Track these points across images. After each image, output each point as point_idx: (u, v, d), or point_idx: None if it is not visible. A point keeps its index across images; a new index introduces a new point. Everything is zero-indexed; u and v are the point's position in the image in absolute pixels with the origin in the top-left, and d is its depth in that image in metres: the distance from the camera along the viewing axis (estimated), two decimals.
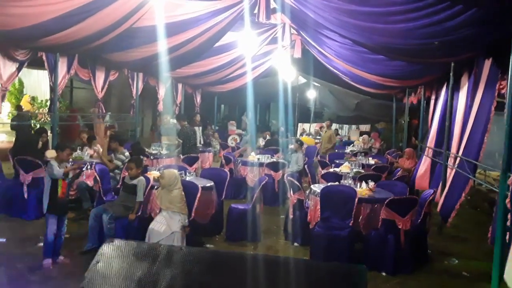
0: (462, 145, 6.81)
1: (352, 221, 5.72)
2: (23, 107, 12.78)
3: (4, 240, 5.96)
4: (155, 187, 5.94)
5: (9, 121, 12.70)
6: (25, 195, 7.05)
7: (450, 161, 7.40)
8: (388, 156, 12.18)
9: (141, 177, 5.90)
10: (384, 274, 5.38)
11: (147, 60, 9.26)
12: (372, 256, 5.56)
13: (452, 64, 7.36)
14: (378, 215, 5.68)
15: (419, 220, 5.76)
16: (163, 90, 13.42)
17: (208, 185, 6.49)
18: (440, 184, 7.52)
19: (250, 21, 8.46)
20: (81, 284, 1.42)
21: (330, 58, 10.97)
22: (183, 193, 5.46)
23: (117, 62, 9.90)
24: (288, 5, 7.80)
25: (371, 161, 10.42)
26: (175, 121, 11.17)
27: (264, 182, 6.80)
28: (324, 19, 6.88)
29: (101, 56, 9.28)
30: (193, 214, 5.58)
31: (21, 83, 14.45)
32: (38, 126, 12.09)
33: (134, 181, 5.80)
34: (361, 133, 18.66)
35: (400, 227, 5.42)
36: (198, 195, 5.74)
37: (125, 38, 7.45)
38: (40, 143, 7.87)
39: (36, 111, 13.86)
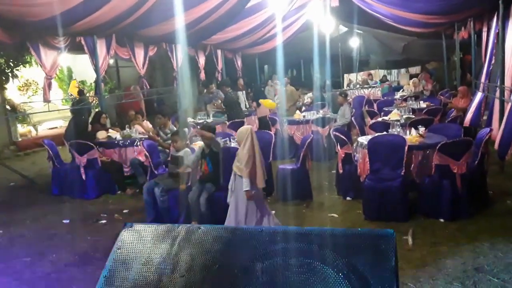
0: None
1: (403, 170, 5.51)
2: (85, 91, 13.11)
3: (68, 221, 6.32)
4: None
5: (64, 107, 13.27)
6: (83, 177, 7.37)
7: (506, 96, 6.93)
8: (441, 97, 11.61)
9: (187, 148, 5.99)
10: (442, 220, 5.20)
11: (181, 31, 9.20)
12: (428, 203, 5.39)
13: None
14: (431, 162, 5.43)
15: (476, 162, 5.47)
16: (203, 59, 13.40)
17: None
18: (494, 119, 7.10)
19: None
20: (102, 272, 1.43)
21: (369, 2, 10.44)
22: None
23: (152, 36, 9.93)
24: None
25: (423, 104, 9.97)
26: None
27: (309, 140, 6.68)
28: None
29: (137, 33, 9.33)
30: None
31: (69, 69, 14.92)
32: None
33: (180, 153, 5.89)
34: (411, 77, 17.83)
35: (455, 171, 5.19)
36: None
37: (155, 12, 7.43)
38: (90, 126, 8.14)
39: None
